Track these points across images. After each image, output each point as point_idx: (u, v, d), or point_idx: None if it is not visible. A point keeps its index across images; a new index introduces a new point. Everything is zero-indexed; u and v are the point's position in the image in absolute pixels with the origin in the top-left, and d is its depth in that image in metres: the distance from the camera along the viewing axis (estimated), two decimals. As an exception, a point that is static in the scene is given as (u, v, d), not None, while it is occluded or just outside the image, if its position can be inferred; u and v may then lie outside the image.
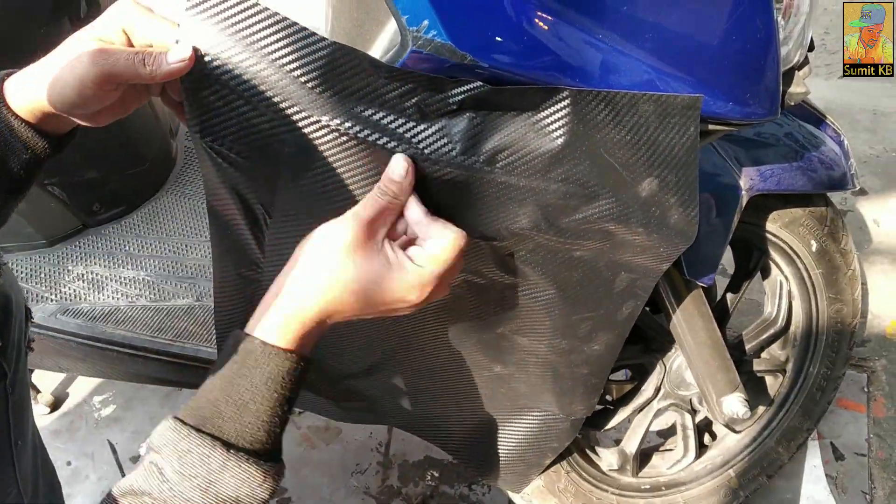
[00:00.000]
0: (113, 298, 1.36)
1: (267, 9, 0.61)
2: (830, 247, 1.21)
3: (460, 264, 0.68)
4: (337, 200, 0.70)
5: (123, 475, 0.95)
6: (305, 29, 0.61)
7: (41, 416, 1.75)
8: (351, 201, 0.69)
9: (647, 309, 1.25)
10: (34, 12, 1.28)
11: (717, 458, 1.39)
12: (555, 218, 0.73)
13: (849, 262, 1.24)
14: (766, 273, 1.29)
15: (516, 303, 0.87)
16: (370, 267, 0.63)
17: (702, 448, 1.39)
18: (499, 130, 0.67)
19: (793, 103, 0.88)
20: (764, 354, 1.35)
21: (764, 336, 1.31)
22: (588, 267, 0.82)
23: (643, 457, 1.39)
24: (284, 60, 0.62)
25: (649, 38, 0.69)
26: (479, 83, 0.64)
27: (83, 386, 1.85)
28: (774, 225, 1.18)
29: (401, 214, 0.67)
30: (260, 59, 0.62)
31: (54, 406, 1.79)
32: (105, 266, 1.41)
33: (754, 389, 1.34)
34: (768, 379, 1.37)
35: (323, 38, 0.61)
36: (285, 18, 0.61)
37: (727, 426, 1.22)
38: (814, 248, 1.20)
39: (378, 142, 0.64)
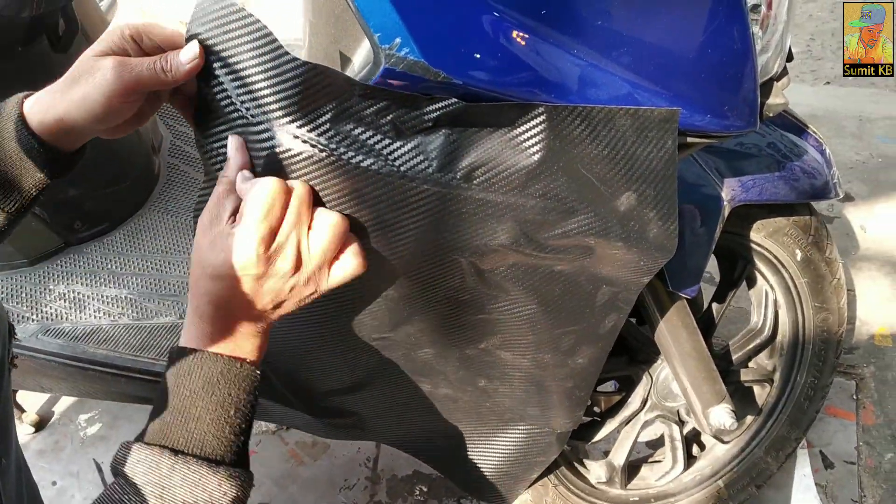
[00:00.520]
0: (95, 317, 1.35)
1: (258, 21, 0.61)
2: (815, 256, 1.21)
3: (290, 218, 0.62)
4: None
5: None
6: (281, 47, 0.61)
7: (26, 435, 1.73)
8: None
9: (633, 320, 1.24)
10: (11, 29, 1.27)
11: (706, 469, 1.39)
12: (534, 233, 0.73)
13: (834, 271, 1.24)
14: (751, 283, 1.29)
15: (498, 318, 0.87)
16: (206, 242, 0.62)
17: (690, 459, 1.38)
18: (475, 147, 0.66)
19: (771, 114, 0.88)
20: (751, 364, 1.35)
21: (750, 346, 1.31)
22: (569, 281, 0.81)
23: (632, 469, 1.39)
24: (259, 77, 0.61)
25: (625, 52, 0.69)
26: (454, 100, 0.63)
27: (68, 405, 1.83)
28: (759, 235, 1.18)
29: None
30: (242, 67, 0.62)
31: (39, 425, 1.77)
32: (87, 285, 1.40)
33: (742, 400, 1.33)
34: (756, 389, 1.36)
35: (295, 59, 0.60)
36: (270, 33, 0.61)
37: (715, 437, 1.21)
38: (799, 258, 1.20)
39: (353, 160, 0.63)
